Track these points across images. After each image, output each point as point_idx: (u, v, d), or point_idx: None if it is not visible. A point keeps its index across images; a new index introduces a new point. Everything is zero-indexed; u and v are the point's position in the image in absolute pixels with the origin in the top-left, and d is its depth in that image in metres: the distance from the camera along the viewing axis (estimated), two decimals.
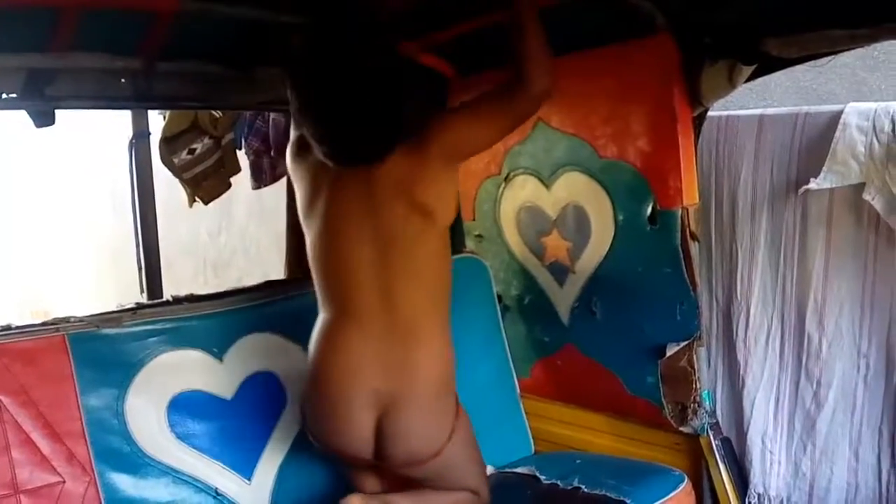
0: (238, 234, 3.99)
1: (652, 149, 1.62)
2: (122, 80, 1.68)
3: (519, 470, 1.75)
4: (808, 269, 1.78)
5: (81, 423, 1.42)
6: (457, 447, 1.40)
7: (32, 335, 1.44)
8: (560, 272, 1.83)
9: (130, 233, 2.78)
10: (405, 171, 1.32)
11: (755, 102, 1.89)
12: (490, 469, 1.68)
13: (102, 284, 4.77)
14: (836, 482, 1.78)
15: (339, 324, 1.37)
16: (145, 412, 1.48)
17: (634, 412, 1.74)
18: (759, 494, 1.86)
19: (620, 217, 1.68)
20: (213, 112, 2.65)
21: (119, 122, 2.89)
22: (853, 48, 1.50)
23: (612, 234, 1.70)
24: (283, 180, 2.74)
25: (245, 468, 1.56)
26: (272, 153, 2.68)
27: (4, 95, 1.58)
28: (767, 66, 1.52)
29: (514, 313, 1.96)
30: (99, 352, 1.47)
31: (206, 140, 2.68)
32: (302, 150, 1.41)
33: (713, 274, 1.91)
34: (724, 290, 1.91)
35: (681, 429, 1.67)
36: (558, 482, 1.65)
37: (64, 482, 1.39)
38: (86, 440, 1.41)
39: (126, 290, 2.77)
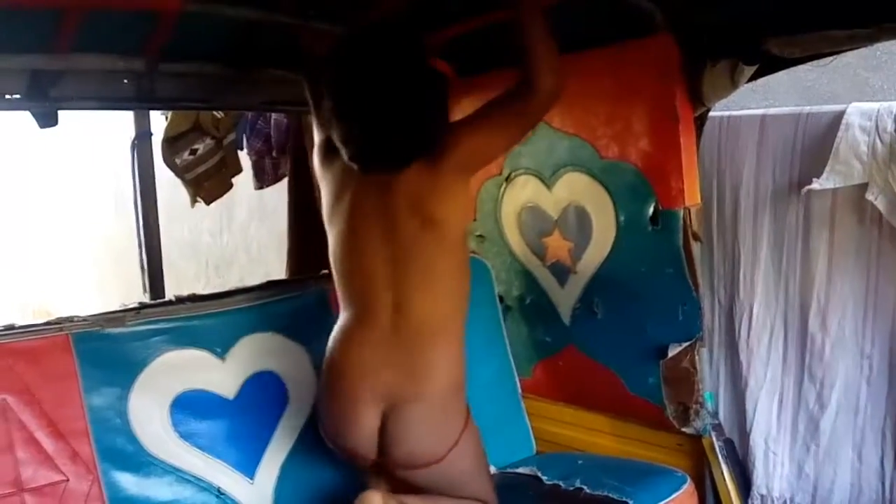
0: (240, 234, 4.02)
1: (653, 149, 1.63)
2: (125, 81, 1.70)
3: (521, 470, 1.76)
4: (811, 269, 1.80)
5: (85, 422, 1.43)
6: (461, 457, 1.40)
7: (36, 334, 1.46)
8: (561, 272, 1.84)
9: (133, 233, 2.81)
10: (421, 183, 1.35)
11: (757, 102, 1.90)
12: (492, 469, 1.69)
13: (105, 285, 4.80)
14: (840, 483, 1.79)
15: (354, 324, 1.41)
16: (148, 411, 1.49)
17: (636, 413, 1.75)
18: (761, 496, 1.87)
19: (622, 217, 1.70)
20: (215, 113, 2.67)
21: (121, 122, 2.92)
22: (855, 48, 1.51)
23: (614, 234, 1.72)
24: (285, 181, 2.77)
25: (247, 467, 1.57)
26: (274, 154, 2.71)
27: (8, 96, 1.60)
28: (769, 65, 1.54)
29: (516, 314, 1.97)
30: (102, 351, 1.49)
31: (208, 140, 2.71)
32: (329, 152, 1.44)
33: (715, 274, 1.93)
34: (726, 291, 1.92)
35: (683, 430, 1.68)
36: (560, 483, 1.66)
37: (68, 480, 1.40)
38: (89, 439, 1.43)
39: (128, 291, 2.81)
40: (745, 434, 1.91)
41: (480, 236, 2.01)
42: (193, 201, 2.91)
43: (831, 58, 1.53)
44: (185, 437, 1.52)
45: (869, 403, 1.76)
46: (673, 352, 1.65)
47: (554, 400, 1.93)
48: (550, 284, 1.87)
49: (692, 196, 1.61)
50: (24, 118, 1.69)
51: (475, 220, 2.01)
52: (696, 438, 1.68)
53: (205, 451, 1.53)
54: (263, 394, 1.63)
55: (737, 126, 1.86)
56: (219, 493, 1.53)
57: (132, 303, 1.64)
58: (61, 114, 1.68)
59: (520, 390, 1.94)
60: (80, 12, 1.46)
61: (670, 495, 1.59)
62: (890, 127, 1.65)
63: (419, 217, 1.35)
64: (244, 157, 2.86)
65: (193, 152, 2.70)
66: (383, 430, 1.37)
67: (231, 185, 2.92)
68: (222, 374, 1.59)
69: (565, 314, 1.86)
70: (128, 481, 1.46)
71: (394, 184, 1.36)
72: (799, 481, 1.84)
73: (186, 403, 1.53)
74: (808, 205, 1.78)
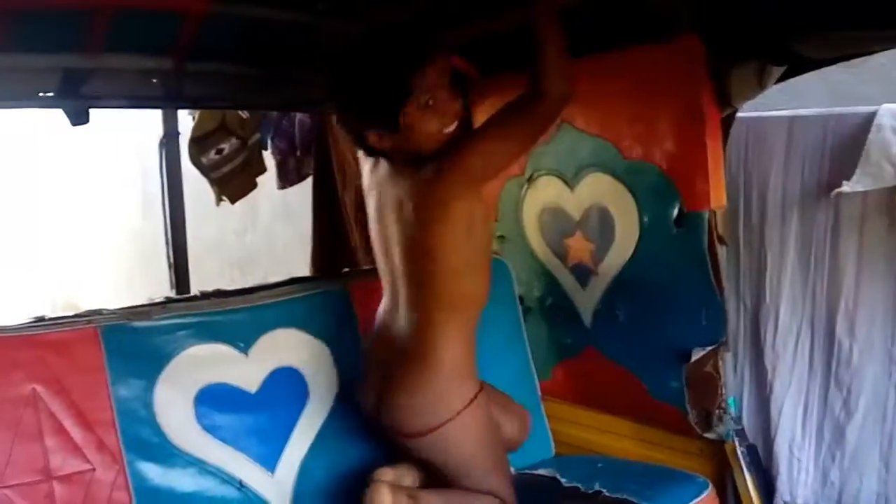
0: (264, 233, 4.08)
1: (678, 150, 1.63)
2: (154, 80, 1.75)
3: (539, 472, 1.77)
4: (839, 273, 1.78)
5: (112, 413, 1.47)
6: (455, 438, 1.44)
7: (66, 327, 1.50)
8: (583, 274, 1.84)
9: (160, 231, 2.87)
10: (430, 185, 1.38)
11: (786, 103, 1.87)
12: (510, 470, 1.70)
13: (132, 282, 4.89)
14: (866, 492, 1.77)
15: (384, 304, 1.56)
16: (173, 403, 1.52)
17: (657, 417, 1.75)
18: (785, 503, 1.85)
19: (645, 219, 1.70)
20: (241, 113, 2.72)
21: (150, 122, 2.98)
22: (886, 49, 1.50)
23: (637, 236, 1.71)
24: (308, 180, 2.81)
25: (269, 461, 1.60)
26: (298, 153, 2.75)
27: (42, 94, 1.66)
28: (798, 66, 1.52)
29: (536, 315, 1.97)
30: (129, 344, 1.52)
31: (234, 140, 2.76)
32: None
33: (741, 278, 1.92)
34: (752, 295, 1.91)
35: (705, 435, 1.67)
36: (579, 485, 1.66)
37: (94, 470, 1.44)
38: (116, 429, 1.46)
39: (155, 288, 2.85)
40: (769, 440, 1.90)
41: (501, 237, 2.02)
42: (219, 200, 2.97)
43: (862, 58, 1.52)
44: (209, 429, 1.55)
45: None
46: (696, 356, 1.64)
47: (573, 402, 1.93)
48: (572, 286, 1.88)
49: (718, 198, 1.61)
50: (57, 116, 1.74)
51: (496, 220, 2.02)
52: (719, 444, 1.67)
53: (227, 443, 1.56)
54: (285, 389, 1.65)
55: (765, 127, 1.85)
56: (240, 485, 1.56)
57: (158, 297, 1.68)
58: (92, 112, 1.73)
59: (539, 392, 1.95)
60: (110, 12, 1.50)
61: (691, 501, 1.59)
62: None
63: (425, 215, 1.39)
64: (268, 157, 2.91)
65: (220, 152, 2.76)
66: (381, 392, 1.50)
67: (255, 185, 2.97)
68: (245, 369, 1.62)
69: (586, 316, 1.86)
70: (152, 471, 1.49)
71: (406, 182, 1.42)
72: (824, 489, 1.83)
73: (210, 396, 1.56)
74: (837, 208, 1.77)
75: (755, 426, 1.92)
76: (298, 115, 2.70)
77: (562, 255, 1.88)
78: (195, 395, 1.55)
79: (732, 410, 1.68)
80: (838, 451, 1.81)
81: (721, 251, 1.62)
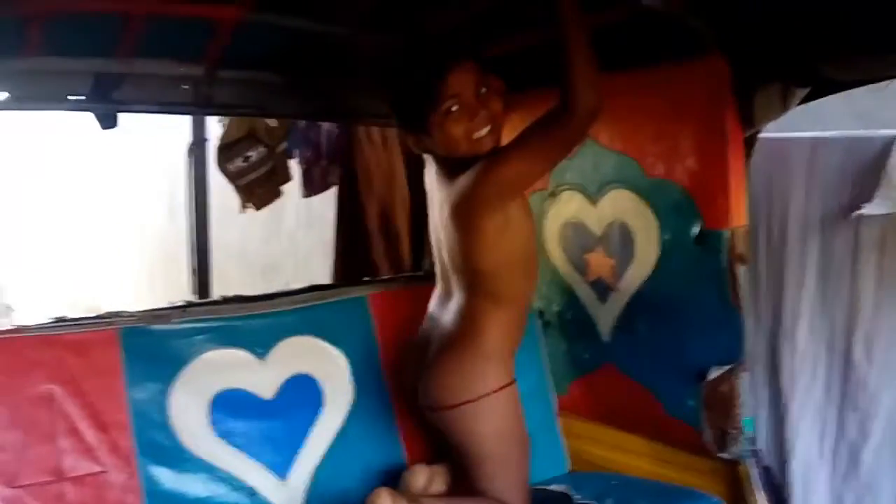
0: (287, 241, 4.01)
1: (701, 168, 1.55)
2: (184, 87, 1.68)
3: (553, 488, 1.67)
4: (858, 296, 1.69)
5: (127, 416, 1.40)
6: (476, 417, 1.43)
7: (85, 328, 1.44)
8: (603, 290, 1.76)
9: (184, 236, 2.81)
10: (463, 194, 1.39)
11: (810, 125, 1.80)
12: None
13: (154, 286, 4.84)
14: None
15: (435, 294, 1.59)
16: (188, 408, 1.45)
17: (673, 435, 1.65)
18: None
19: (666, 236, 1.61)
20: (269, 122, 2.67)
21: (179, 128, 2.93)
22: None
23: (657, 253, 1.63)
24: (333, 189, 2.75)
25: (281, 468, 1.52)
26: (323, 163, 2.69)
27: (72, 97, 1.60)
28: (822, 88, 1.44)
29: (555, 329, 1.89)
30: (148, 347, 1.46)
31: (261, 148, 2.70)
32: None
33: (760, 298, 1.82)
34: (770, 315, 1.82)
35: (720, 455, 1.57)
36: (592, 502, 1.57)
37: (106, 472, 1.37)
38: (130, 432, 1.39)
39: (177, 293, 2.79)
40: (783, 462, 1.79)
41: None
42: (243, 207, 2.91)
43: (887, 82, 1.44)
44: (223, 435, 1.47)
45: None
46: (713, 375, 1.55)
47: (589, 418, 1.83)
48: (591, 301, 1.79)
49: (739, 217, 1.52)
50: (86, 119, 1.68)
51: None
52: (733, 464, 1.57)
53: (241, 449, 1.48)
54: (300, 396, 1.58)
55: (787, 149, 1.77)
56: (252, 492, 1.48)
57: (179, 301, 1.61)
58: (121, 117, 1.66)
59: (555, 407, 1.86)
60: (143, 18, 1.44)
61: None
62: None
63: (458, 224, 1.42)
64: (294, 166, 2.85)
65: (246, 159, 2.70)
66: (421, 369, 1.51)
67: (280, 193, 2.91)
68: (261, 375, 1.55)
69: (605, 332, 1.77)
70: (165, 475, 1.42)
71: (447, 189, 1.44)
72: None
73: (225, 402, 1.49)
74: (857, 230, 1.68)
75: (770, 447, 1.82)
76: (325, 125, 2.64)
77: (582, 270, 1.80)
78: (211, 400, 1.48)
79: (748, 431, 1.58)
80: (853, 475, 1.71)
81: (741, 270, 1.53)
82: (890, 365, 1.66)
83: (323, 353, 1.63)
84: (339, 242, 2.69)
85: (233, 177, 2.74)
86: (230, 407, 1.49)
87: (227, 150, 2.70)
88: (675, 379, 1.62)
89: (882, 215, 1.61)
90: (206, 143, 2.74)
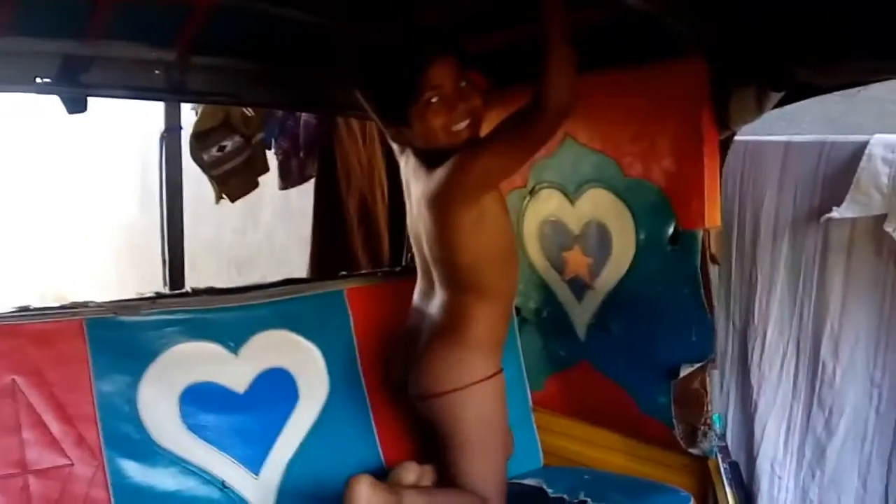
0: (263, 234, 3.93)
1: (677, 169, 1.54)
2: (156, 72, 1.62)
3: (527, 482, 1.67)
4: (826, 297, 1.70)
5: (93, 408, 1.35)
6: (464, 405, 1.44)
7: (50, 318, 1.38)
8: (579, 288, 1.75)
9: (156, 227, 2.72)
10: (438, 186, 1.39)
11: (783, 130, 1.81)
12: None
13: (124, 277, 4.71)
14: None
15: (418, 287, 1.59)
16: (158, 401, 1.41)
17: (645, 431, 1.65)
18: None
19: (642, 236, 1.60)
20: (245, 110, 2.60)
21: (152, 115, 2.84)
22: (885, 79, 1.43)
23: (633, 252, 1.62)
24: (311, 182, 2.69)
25: (254, 463, 1.48)
26: (301, 154, 2.63)
27: (39, 80, 1.52)
28: (797, 93, 1.45)
29: (532, 326, 1.88)
30: (115, 338, 1.41)
31: (237, 138, 2.63)
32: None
33: (731, 297, 1.83)
34: (741, 314, 1.82)
35: (690, 450, 1.58)
36: (565, 496, 1.57)
37: (72, 465, 1.32)
38: (97, 425, 1.34)
39: (149, 284, 2.71)
40: (751, 457, 1.81)
41: None
42: (218, 198, 2.83)
43: (858, 89, 1.45)
44: (193, 428, 1.43)
45: (876, 433, 1.66)
46: (685, 372, 1.55)
47: (564, 414, 1.83)
48: (568, 299, 1.78)
49: (713, 218, 1.53)
50: (54, 103, 1.61)
51: None
52: (703, 459, 1.59)
53: (211, 443, 1.44)
54: (274, 390, 1.54)
55: (761, 152, 1.77)
56: (223, 486, 1.44)
57: (148, 292, 1.56)
58: (92, 102, 1.59)
59: (530, 402, 1.85)
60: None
61: None
62: None
63: (437, 217, 1.42)
64: (271, 157, 2.78)
65: (221, 149, 2.63)
66: (410, 360, 1.51)
67: (257, 184, 2.84)
68: (234, 369, 1.51)
69: (580, 329, 1.76)
70: (133, 469, 1.37)
71: (424, 182, 1.43)
72: None
73: (196, 395, 1.44)
74: (826, 233, 1.69)
75: (738, 443, 1.83)
76: (304, 116, 2.58)
77: (560, 268, 1.79)
78: (181, 394, 1.43)
79: (717, 427, 1.59)
80: (818, 471, 1.73)
81: (713, 270, 1.54)
82: (855, 364, 1.68)
83: (298, 347, 1.59)
84: (315, 236, 2.63)
85: (207, 167, 2.67)
86: (201, 400, 1.44)
87: (202, 139, 2.62)
88: (648, 376, 1.62)
89: (850, 219, 1.62)
90: (180, 130, 2.65)
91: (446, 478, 1.48)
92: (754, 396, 1.80)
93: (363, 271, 2.07)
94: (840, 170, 1.65)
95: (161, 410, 1.41)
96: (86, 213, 5.42)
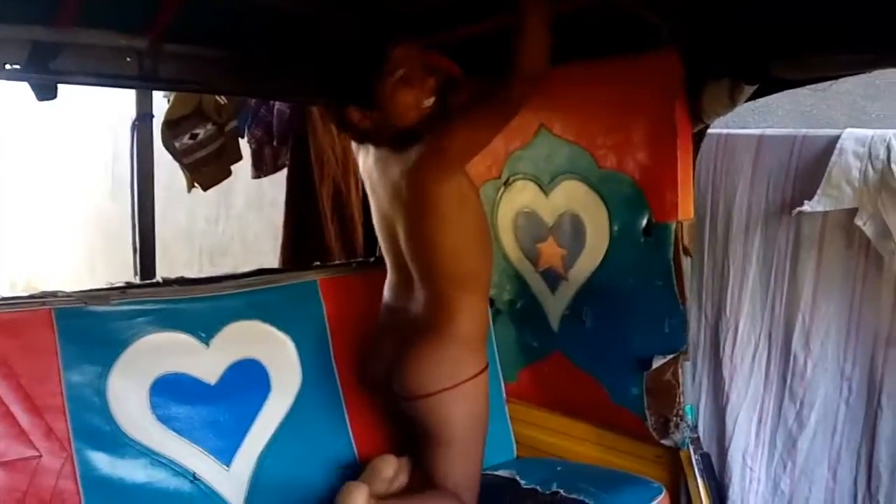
0: (236, 223, 3.93)
1: (651, 161, 1.59)
2: (128, 59, 1.62)
3: (500, 473, 1.71)
4: (797, 289, 1.76)
5: (62, 399, 1.37)
6: (451, 404, 1.46)
7: (18, 307, 1.39)
8: (553, 279, 1.79)
9: (127, 215, 2.73)
10: (419, 174, 1.43)
11: (756, 123, 1.86)
12: None
13: (96, 266, 4.69)
14: (814, 502, 1.75)
15: (390, 282, 1.60)
16: (128, 392, 1.43)
17: (618, 423, 1.70)
18: None
19: (615, 228, 1.65)
20: (218, 98, 2.60)
21: (123, 102, 2.84)
22: (856, 73, 1.48)
23: (607, 244, 1.67)
24: (284, 171, 2.70)
25: (225, 454, 1.51)
26: (274, 143, 2.63)
27: (8, 66, 1.53)
28: (770, 86, 1.50)
29: (505, 317, 1.92)
30: (85, 328, 1.42)
31: (209, 126, 2.63)
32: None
33: (704, 289, 1.88)
34: (713, 306, 1.88)
35: (662, 441, 1.63)
36: (538, 487, 1.61)
37: (41, 457, 1.34)
38: (65, 416, 1.36)
39: (120, 273, 2.71)
40: (723, 448, 1.87)
41: None
42: (190, 186, 2.84)
43: (830, 83, 1.50)
44: (163, 420, 1.45)
45: (846, 424, 1.72)
46: (657, 363, 1.60)
47: (537, 405, 1.87)
48: (541, 290, 1.82)
49: (686, 210, 1.57)
50: (24, 90, 1.62)
51: None
52: (675, 450, 1.63)
53: (182, 435, 1.47)
54: (245, 382, 1.56)
55: (734, 144, 1.82)
56: (193, 478, 1.46)
57: (119, 282, 1.57)
58: (62, 90, 1.60)
59: (504, 394, 1.89)
60: None
61: None
62: (882, 154, 1.61)
63: (417, 200, 1.45)
64: (244, 146, 2.79)
65: (194, 137, 2.63)
66: (393, 361, 1.51)
67: (230, 173, 2.84)
68: (205, 359, 1.53)
69: (554, 321, 1.80)
70: (102, 461, 1.39)
71: (395, 168, 1.47)
72: (774, 498, 1.80)
73: (167, 386, 1.46)
74: (798, 226, 1.74)
75: (710, 434, 1.88)
76: (277, 104, 2.59)
77: (533, 260, 1.83)
78: (151, 385, 1.45)
79: (689, 418, 1.64)
80: (789, 462, 1.79)
81: (686, 262, 1.58)
82: (825, 356, 1.74)
83: (270, 338, 1.62)
84: (287, 226, 2.64)
85: (179, 155, 2.67)
86: (171, 391, 1.47)
87: (174, 127, 2.62)
88: (621, 367, 1.66)
89: (822, 212, 1.68)
90: (152, 118, 2.65)
91: (423, 472, 1.50)
92: (726, 388, 1.86)
93: (337, 262, 2.08)
94: (812, 163, 1.70)
95: (131, 401, 1.43)
96: (56, 202, 5.38)
